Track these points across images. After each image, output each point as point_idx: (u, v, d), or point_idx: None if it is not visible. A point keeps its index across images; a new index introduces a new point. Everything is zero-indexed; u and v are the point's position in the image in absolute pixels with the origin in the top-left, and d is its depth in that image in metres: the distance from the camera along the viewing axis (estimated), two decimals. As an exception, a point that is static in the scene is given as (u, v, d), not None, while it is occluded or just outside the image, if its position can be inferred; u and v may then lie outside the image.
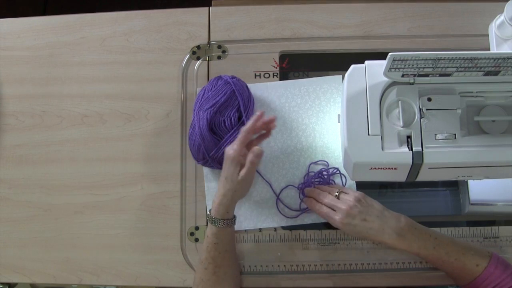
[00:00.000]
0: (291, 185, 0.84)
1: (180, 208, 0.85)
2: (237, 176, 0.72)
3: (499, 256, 0.72)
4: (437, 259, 0.73)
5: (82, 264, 0.85)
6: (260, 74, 0.89)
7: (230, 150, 0.73)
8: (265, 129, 0.77)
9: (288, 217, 0.83)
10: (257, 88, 0.88)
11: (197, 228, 0.85)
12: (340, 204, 0.75)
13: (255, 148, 0.72)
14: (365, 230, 0.73)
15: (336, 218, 0.74)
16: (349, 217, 0.74)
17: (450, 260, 0.72)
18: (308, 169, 0.84)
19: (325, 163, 0.84)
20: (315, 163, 0.84)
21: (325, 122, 0.86)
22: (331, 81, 0.87)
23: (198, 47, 0.91)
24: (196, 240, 0.84)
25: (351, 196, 0.75)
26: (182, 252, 0.84)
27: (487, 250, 0.73)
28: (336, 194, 0.77)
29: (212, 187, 0.85)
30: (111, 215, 0.86)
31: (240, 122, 0.80)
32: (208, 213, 0.76)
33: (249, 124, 0.73)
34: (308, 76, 0.90)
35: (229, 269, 0.77)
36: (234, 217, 0.77)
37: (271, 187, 0.84)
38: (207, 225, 0.84)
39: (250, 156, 0.72)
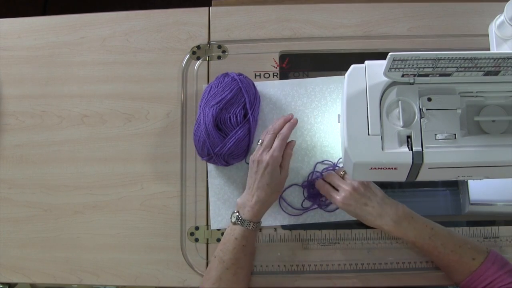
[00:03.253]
0: (294, 184, 0.84)
1: (180, 208, 0.85)
2: (281, 178, 0.76)
3: (498, 253, 0.72)
4: (433, 249, 0.74)
5: (82, 264, 0.85)
6: (260, 74, 0.89)
7: (270, 156, 0.74)
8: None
9: (291, 215, 0.83)
10: (264, 86, 0.88)
11: (197, 228, 0.85)
12: (345, 184, 0.77)
13: (292, 142, 0.78)
14: (364, 214, 0.75)
15: (338, 197, 0.76)
16: (350, 199, 0.75)
17: (446, 251, 0.73)
18: (314, 168, 0.84)
19: (331, 162, 0.84)
20: (322, 162, 0.85)
21: (331, 122, 0.86)
22: (337, 81, 0.87)
23: (198, 47, 0.91)
24: (196, 240, 0.84)
25: (350, 185, 0.77)
26: (182, 252, 0.84)
27: (486, 247, 0.74)
28: (342, 173, 0.79)
29: (216, 184, 0.85)
30: (111, 215, 0.86)
31: (246, 119, 0.80)
32: (236, 214, 0.76)
33: (286, 131, 0.76)
34: (308, 76, 0.90)
35: (248, 270, 0.78)
36: (261, 220, 0.79)
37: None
38: (207, 226, 0.84)
39: (288, 153, 0.77)
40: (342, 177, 0.79)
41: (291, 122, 0.78)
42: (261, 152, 0.76)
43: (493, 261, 0.70)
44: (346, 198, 0.76)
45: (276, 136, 0.76)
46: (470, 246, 0.72)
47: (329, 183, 0.80)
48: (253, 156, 0.77)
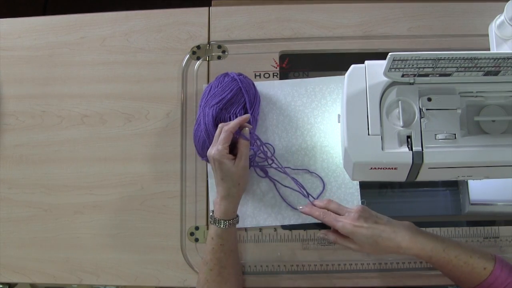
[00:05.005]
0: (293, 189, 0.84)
1: (180, 208, 0.85)
2: (235, 169, 0.73)
3: (502, 258, 0.71)
4: (447, 263, 0.70)
5: (82, 264, 0.85)
6: (260, 74, 0.89)
7: (215, 151, 0.73)
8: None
9: (296, 210, 0.83)
10: (264, 86, 0.88)
11: (197, 228, 0.85)
12: (349, 209, 0.74)
13: (245, 130, 0.74)
14: (378, 232, 0.71)
15: (348, 220, 0.72)
16: (361, 219, 0.71)
17: (460, 263, 0.70)
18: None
19: (317, 176, 0.85)
20: (311, 173, 0.85)
21: (331, 122, 0.86)
22: (337, 81, 0.87)
23: (198, 47, 0.91)
24: (196, 240, 0.84)
25: (355, 206, 0.74)
26: (182, 252, 0.84)
27: (489, 252, 0.72)
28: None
29: (215, 185, 0.85)
30: (111, 215, 0.86)
31: None
32: (211, 214, 0.76)
33: (232, 124, 0.74)
34: (308, 76, 0.90)
35: (233, 269, 0.77)
36: (237, 216, 0.77)
37: (275, 186, 0.84)
38: (207, 226, 0.84)
39: (242, 142, 0.74)
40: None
41: (240, 117, 0.75)
42: (210, 149, 0.74)
43: (501, 267, 0.69)
44: (356, 219, 0.71)
45: (227, 134, 0.74)
46: (479, 256, 0.70)
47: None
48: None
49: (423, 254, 0.70)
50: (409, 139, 0.67)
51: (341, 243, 0.75)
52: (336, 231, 0.75)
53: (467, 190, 0.84)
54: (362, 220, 0.71)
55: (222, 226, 0.74)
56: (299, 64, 0.91)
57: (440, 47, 0.88)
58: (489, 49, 0.74)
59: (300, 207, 0.81)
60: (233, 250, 0.77)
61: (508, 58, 0.61)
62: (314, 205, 0.79)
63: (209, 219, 0.77)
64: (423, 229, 0.73)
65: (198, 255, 0.84)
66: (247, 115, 0.77)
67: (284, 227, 0.84)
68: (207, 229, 0.84)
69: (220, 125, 0.76)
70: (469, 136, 0.67)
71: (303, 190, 0.83)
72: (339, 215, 0.75)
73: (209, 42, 0.92)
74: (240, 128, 0.76)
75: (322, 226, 0.83)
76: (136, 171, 0.87)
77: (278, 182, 0.84)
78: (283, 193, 0.84)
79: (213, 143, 0.75)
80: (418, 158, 0.66)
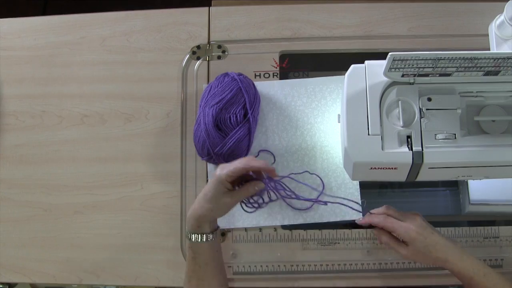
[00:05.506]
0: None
1: (180, 208, 0.85)
2: (220, 199, 0.69)
3: None
4: None
5: (82, 264, 0.85)
6: (260, 74, 0.89)
7: (223, 171, 0.68)
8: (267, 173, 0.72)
9: (299, 209, 0.83)
10: (264, 86, 0.88)
11: (197, 228, 0.85)
12: (409, 215, 0.74)
13: (261, 185, 0.71)
14: (434, 243, 0.71)
15: (412, 226, 0.71)
16: (422, 226, 0.71)
17: None
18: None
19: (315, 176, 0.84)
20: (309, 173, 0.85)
21: (331, 122, 0.86)
22: (337, 81, 0.87)
23: (198, 47, 0.91)
24: (196, 240, 0.84)
25: (412, 213, 0.74)
26: (182, 252, 0.84)
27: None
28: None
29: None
30: (111, 215, 0.86)
31: (246, 119, 0.80)
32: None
33: (257, 163, 0.69)
34: (308, 76, 0.90)
35: (213, 281, 0.73)
36: (214, 231, 0.72)
37: (275, 185, 0.84)
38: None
39: (250, 188, 0.70)
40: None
41: (265, 162, 0.70)
42: (220, 167, 0.70)
43: None
44: (419, 226, 0.71)
45: (238, 169, 0.69)
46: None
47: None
48: None
49: (466, 273, 0.69)
50: (409, 139, 0.67)
51: (393, 246, 0.75)
52: (389, 234, 0.75)
53: (467, 190, 0.84)
54: (423, 227, 0.72)
55: (191, 239, 0.70)
56: (299, 64, 0.91)
57: (440, 47, 0.88)
58: (489, 49, 0.74)
59: (360, 218, 0.80)
60: (208, 263, 0.72)
61: (508, 58, 0.61)
62: (372, 213, 0.78)
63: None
64: None
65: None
66: (273, 168, 0.72)
67: (284, 227, 0.84)
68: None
69: (249, 158, 0.71)
70: (469, 136, 0.67)
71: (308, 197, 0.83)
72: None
73: (209, 42, 0.92)
74: (257, 173, 0.72)
75: (323, 226, 0.83)
76: (136, 171, 0.87)
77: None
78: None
79: (227, 164, 0.69)
80: (418, 158, 0.66)
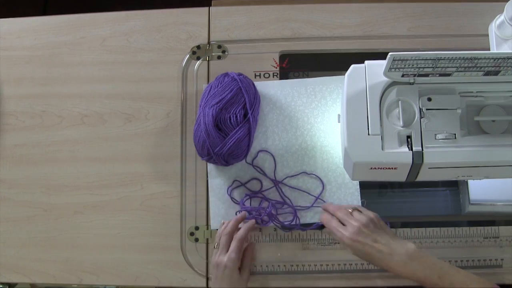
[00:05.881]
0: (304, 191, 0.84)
1: (180, 208, 0.85)
2: (242, 282, 0.75)
3: None
4: None
5: (82, 264, 0.85)
6: (260, 74, 0.89)
7: (228, 259, 0.74)
8: None
9: (299, 210, 0.83)
10: (264, 86, 0.88)
11: (197, 228, 0.85)
12: (353, 220, 0.72)
13: (252, 243, 0.80)
14: (374, 252, 0.70)
15: (346, 233, 0.71)
16: (360, 235, 0.70)
17: None
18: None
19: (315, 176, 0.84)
20: (309, 175, 0.85)
21: (330, 122, 0.86)
22: (337, 81, 0.87)
23: (198, 47, 0.91)
24: (196, 240, 0.84)
25: (365, 215, 0.73)
26: (182, 252, 0.84)
27: (490, 282, 0.70)
28: (350, 210, 0.74)
29: (216, 184, 0.85)
30: (111, 215, 0.86)
31: (246, 119, 0.80)
32: None
33: (242, 232, 0.77)
34: (308, 76, 0.90)
35: None
36: None
37: (275, 186, 0.84)
38: (207, 226, 0.84)
39: (249, 252, 0.79)
40: (351, 214, 0.74)
41: (248, 224, 0.79)
42: (219, 254, 0.75)
43: None
44: (355, 234, 0.70)
45: (231, 237, 0.77)
46: (476, 285, 0.68)
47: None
48: (212, 261, 0.77)
49: (415, 279, 0.69)
50: (409, 139, 0.67)
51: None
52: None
53: (467, 190, 0.84)
54: (362, 236, 0.70)
55: None
56: (299, 64, 0.91)
57: (440, 47, 0.88)
58: (489, 49, 0.74)
59: (322, 205, 0.81)
60: None
61: (508, 58, 0.61)
62: (327, 208, 0.78)
63: None
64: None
65: (198, 255, 0.84)
66: (253, 222, 0.80)
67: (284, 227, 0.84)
68: (207, 229, 0.84)
69: (222, 232, 0.78)
70: (469, 136, 0.67)
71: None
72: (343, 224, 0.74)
73: (209, 42, 0.92)
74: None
75: (323, 226, 0.83)
76: (136, 171, 0.87)
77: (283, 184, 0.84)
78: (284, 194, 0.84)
79: (220, 250, 0.76)
80: (418, 158, 0.66)
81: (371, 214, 0.73)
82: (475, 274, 0.70)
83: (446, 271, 0.69)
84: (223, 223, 0.80)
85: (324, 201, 0.83)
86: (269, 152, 0.85)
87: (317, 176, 0.84)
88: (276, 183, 0.84)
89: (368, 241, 0.70)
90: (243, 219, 0.80)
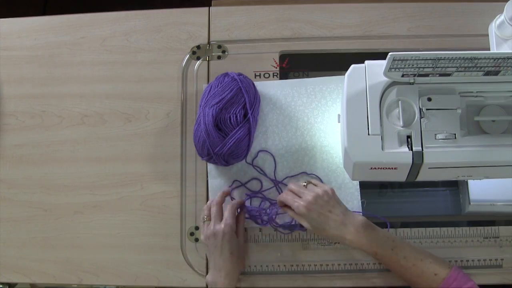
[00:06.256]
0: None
1: (180, 208, 0.85)
2: (241, 243, 0.78)
3: (460, 270, 0.71)
4: (395, 262, 0.72)
5: (82, 264, 0.85)
6: (260, 74, 0.89)
7: (225, 225, 0.76)
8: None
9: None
10: (264, 86, 0.88)
11: (197, 228, 0.85)
12: (308, 192, 0.74)
13: (242, 211, 0.80)
14: (327, 221, 0.72)
15: (302, 203, 0.73)
16: (314, 204, 0.72)
17: (408, 265, 0.71)
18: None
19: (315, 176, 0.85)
20: (309, 175, 0.85)
21: (330, 121, 0.86)
22: (337, 81, 0.87)
23: (198, 47, 0.91)
24: (196, 240, 0.84)
25: (320, 188, 0.75)
26: (182, 252, 0.84)
27: (448, 262, 0.73)
28: (304, 184, 0.76)
29: (216, 184, 0.85)
30: (111, 215, 0.86)
31: (246, 119, 0.80)
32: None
33: (235, 201, 0.80)
34: (308, 76, 0.90)
35: None
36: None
37: (275, 187, 0.84)
38: None
39: (241, 217, 0.79)
40: (305, 187, 0.76)
41: (238, 199, 0.82)
42: (213, 225, 0.77)
43: (455, 277, 0.69)
44: (310, 203, 0.72)
45: (221, 207, 0.79)
46: (431, 261, 0.71)
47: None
48: (205, 233, 0.77)
49: (367, 249, 0.72)
50: (409, 139, 0.67)
51: (296, 219, 0.76)
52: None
53: (467, 190, 0.84)
54: (317, 205, 0.73)
55: None
56: (299, 64, 0.91)
57: (440, 47, 0.88)
58: (489, 49, 0.74)
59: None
60: None
61: (508, 58, 0.61)
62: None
63: None
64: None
65: (198, 255, 0.84)
66: (242, 200, 0.82)
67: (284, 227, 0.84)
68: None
69: (211, 203, 0.79)
70: (469, 136, 0.67)
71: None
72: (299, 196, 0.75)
73: (209, 42, 0.92)
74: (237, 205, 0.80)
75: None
76: (136, 171, 0.87)
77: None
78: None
79: (213, 220, 0.77)
80: (418, 158, 0.66)
81: (326, 187, 0.76)
82: (432, 253, 0.73)
83: (399, 244, 0.73)
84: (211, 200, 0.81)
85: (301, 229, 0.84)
86: (269, 152, 0.85)
87: (317, 176, 0.84)
88: (276, 183, 0.84)
89: (323, 211, 0.72)
90: (229, 194, 0.82)
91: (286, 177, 0.85)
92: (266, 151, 0.86)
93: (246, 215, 0.81)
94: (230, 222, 0.76)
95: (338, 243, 0.81)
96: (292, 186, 0.76)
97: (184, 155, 0.87)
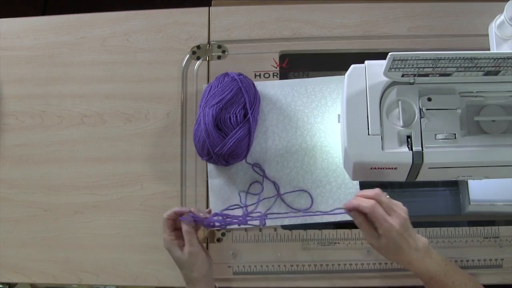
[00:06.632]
0: (301, 190, 0.84)
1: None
2: (184, 257, 0.72)
3: None
4: (444, 286, 0.69)
5: (82, 264, 0.85)
6: (260, 74, 0.89)
7: (163, 240, 0.74)
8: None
9: (298, 210, 0.82)
10: (264, 86, 0.88)
11: (197, 228, 0.85)
12: (399, 212, 0.66)
13: (183, 219, 0.72)
14: (404, 245, 0.66)
15: (395, 225, 0.65)
16: (404, 229, 0.65)
17: None
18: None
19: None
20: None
21: (331, 122, 0.86)
22: (337, 81, 0.87)
23: (198, 47, 0.91)
24: (196, 240, 0.84)
25: (404, 209, 0.67)
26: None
27: (477, 282, 0.71)
28: (387, 196, 0.68)
29: (216, 184, 0.85)
30: (111, 215, 0.86)
31: (246, 119, 0.80)
32: None
33: (169, 211, 0.73)
34: (308, 76, 0.90)
35: None
36: None
37: (274, 186, 0.84)
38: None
39: (183, 227, 0.72)
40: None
41: (179, 209, 0.74)
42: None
43: None
44: (402, 227, 0.65)
45: (167, 222, 0.74)
46: (472, 284, 0.69)
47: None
48: None
49: (426, 274, 0.68)
50: (409, 139, 0.67)
51: (366, 232, 0.68)
52: (366, 218, 0.68)
53: (467, 190, 0.84)
54: (407, 230, 0.66)
55: None
56: (299, 64, 0.91)
57: (440, 47, 0.88)
58: (489, 49, 0.74)
59: (344, 203, 0.70)
60: None
61: (508, 58, 0.61)
62: (361, 196, 0.69)
63: None
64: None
65: (198, 255, 0.84)
66: (188, 210, 0.74)
67: (284, 227, 0.84)
68: (207, 229, 0.84)
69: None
70: (469, 136, 0.67)
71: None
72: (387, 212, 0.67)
73: (209, 42, 0.92)
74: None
75: (323, 226, 0.83)
76: (136, 171, 0.87)
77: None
78: (284, 195, 0.84)
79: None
80: (418, 158, 0.66)
81: (404, 207, 0.68)
82: (471, 275, 0.71)
83: (450, 269, 0.69)
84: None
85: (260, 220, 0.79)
86: (269, 152, 0.85)
87: (309, 194, 0.84)
88: (279, 195, 0.84)
89: (405, 235, 0.66)
90: (184, 212, 0.74)
91: (285, 193, 0.84)
92: (266, 151, 0.85)
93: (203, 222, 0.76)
94: (164, 237, 0.74)
95: (335, 243, 0.81)
96: (383, 197, 0.67)
97: (184, 155, 0.87)
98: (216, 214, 0.77)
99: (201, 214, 0.74)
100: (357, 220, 0.68)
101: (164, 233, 0.74)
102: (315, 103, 0.87)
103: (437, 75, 0.66)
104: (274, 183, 0.84)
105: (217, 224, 0.75)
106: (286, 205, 0.84)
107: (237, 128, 0.79)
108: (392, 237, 0.65)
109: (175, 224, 0.74)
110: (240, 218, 0.76)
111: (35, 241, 0.86)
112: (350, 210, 0.68)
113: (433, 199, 0.89)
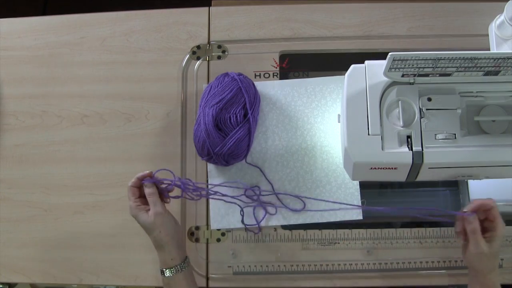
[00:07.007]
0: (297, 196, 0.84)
1: (180, 208, 0.85)
2: (150, 219, 0.71)
3: None
4: (485, 286, 0.70)
5: (82, 264, 0.85)
6: (260, 74, 0.89)
7: (129, 209, 0.73)
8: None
9: (297, 210, 0.83)
10: (264, 86, 0.88)
11: (197, 228, 0.85)
12: (501, 227, 0.68)
13: (145, 181, 0.72)
14: (490, 266, 0.69)
15: (504, 231, 0.68)
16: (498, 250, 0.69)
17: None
18: None
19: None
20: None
21: (331, 122, 0.86)
22: (337, 81, 0.87)
23: (198, 47, 0.91)
24: (196, 240, 0.84)
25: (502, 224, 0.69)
26: (182, 252, 0.84)
27: None
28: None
29: (216, 184, 0.85)
30: (111, 215, 0.86)
31: (246, 119, 0.80)
32: None
33: (133, 179, 0.73)
34: (308, 76, 0.90)
35: None
36: (183, 261, 0.74)
37: (272, 187, 0.84)
38: (207, 226, 0.84)
39: (146, 191, 0.72)
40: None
41: (141, 173, 0.73)
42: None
43: None
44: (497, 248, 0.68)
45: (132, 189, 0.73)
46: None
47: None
48: None
49: (490, 285, 0.70)
50: (409, 139, 0.67)
51: (477, 236, 0.68)
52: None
53: (467, 190, 0.84)
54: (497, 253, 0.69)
55: (165, 275, 0.73)
56: (299, 64, 0.91)
57: (440, 47, 0.88)
58: (489, 49, 0.74)
59: (465, 210, 0.70)
60: None
61: (508, 58, 0.61)
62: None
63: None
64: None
65: (198, 255, 0.84)
66: (149, 172, 0.74)
67: (284, 227, 0.84)
68: (207, 229, 0.84)
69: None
70: (469, 136, 0.67)
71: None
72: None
73: (209, 42, 0.92)
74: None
75: (323, 226, 0.83)
76: (136, 171, 0.87)
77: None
78: (282, 196, 0.84)
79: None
80: (418, 158, 0.66)
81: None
82: None
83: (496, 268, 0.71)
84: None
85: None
86: (269, 152, 0.85)
87: (298, 197, 0.83)
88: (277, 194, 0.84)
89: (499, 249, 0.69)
90: (147, 175, 0.74)
91: (285, 193, 0.84)
92: (266, 151, 0.85)
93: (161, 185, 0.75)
94: (130, 204, 0.73)
95: (335, 243, 0.81)
96: (493, 206, 0.68)
97: (184, 155, 0.87)
98: (175, 180, 0.75)
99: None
100: (472, 226, 0.68)
101: (129, 201, 0.73)
102: (315, 103, 0.87)
103: (437, 75, 0.66)
104: (271, 185, 0.84)
105: (176, 187, 0.74)
106: (283, 205, 0.84)
107: (237, 128, 0.79)
108: (499, 241, 0.67)
109: (139, 192, 0.74)
110: (204, 192, 0.76)
111: (35, 241, 0.86)
112: (474, 210, 0.68)
113: (433, 199, 0.89)
